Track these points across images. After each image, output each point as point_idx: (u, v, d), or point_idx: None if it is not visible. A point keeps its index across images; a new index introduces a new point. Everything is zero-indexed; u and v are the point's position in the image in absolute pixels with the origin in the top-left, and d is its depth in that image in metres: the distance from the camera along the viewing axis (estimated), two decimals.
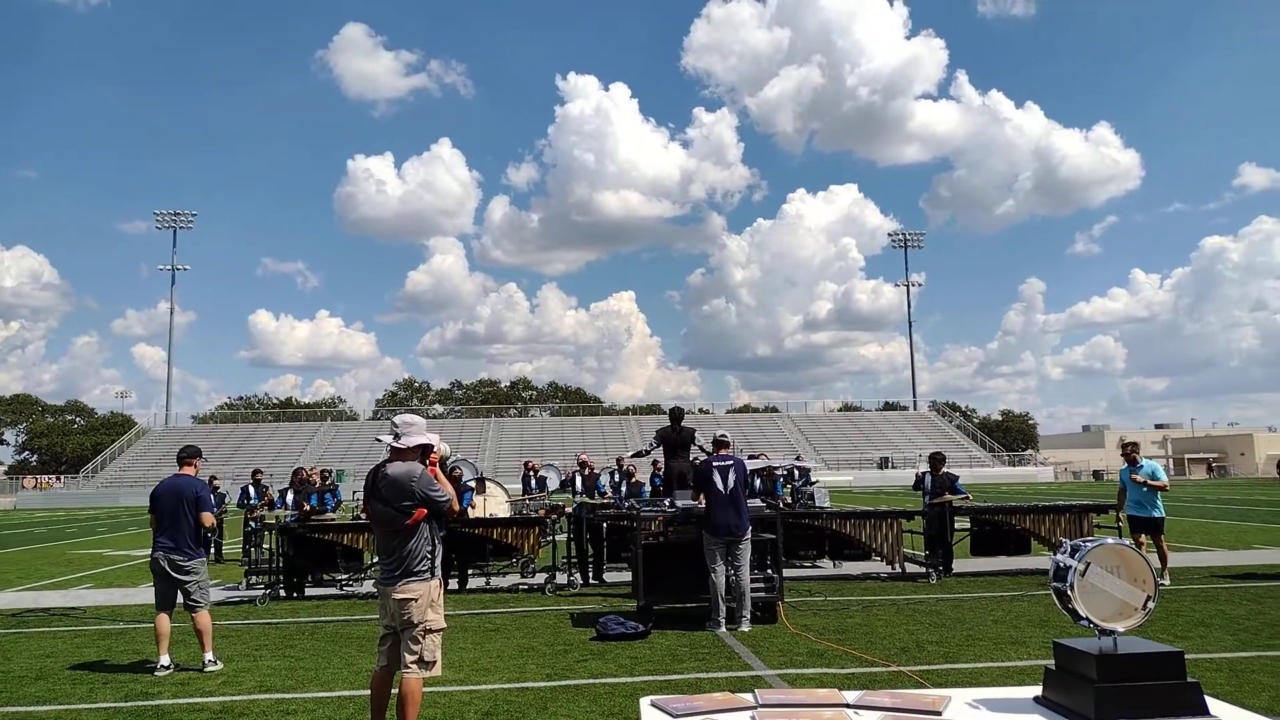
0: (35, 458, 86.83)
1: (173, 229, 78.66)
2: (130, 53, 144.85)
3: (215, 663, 7.19)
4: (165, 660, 7.12)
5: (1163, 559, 10.89)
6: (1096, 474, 75.69)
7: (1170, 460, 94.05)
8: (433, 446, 4.88)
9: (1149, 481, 11.05)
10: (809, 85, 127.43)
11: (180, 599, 7.27)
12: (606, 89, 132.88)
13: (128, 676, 7.00)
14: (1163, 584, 10.26)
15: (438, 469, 4.90)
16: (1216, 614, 8.65)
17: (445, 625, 4.85)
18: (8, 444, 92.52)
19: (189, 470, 7.57)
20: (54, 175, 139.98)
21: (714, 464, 8.55)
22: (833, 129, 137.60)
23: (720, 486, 8.39)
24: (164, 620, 7.22)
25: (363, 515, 5.96)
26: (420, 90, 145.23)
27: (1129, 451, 11.42)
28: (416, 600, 4.64)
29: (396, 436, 4.79)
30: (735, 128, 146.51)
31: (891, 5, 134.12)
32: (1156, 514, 11.09)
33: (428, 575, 4.70)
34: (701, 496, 8.55)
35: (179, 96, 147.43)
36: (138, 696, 6.34)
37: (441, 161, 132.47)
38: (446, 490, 4.77)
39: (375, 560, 5.31)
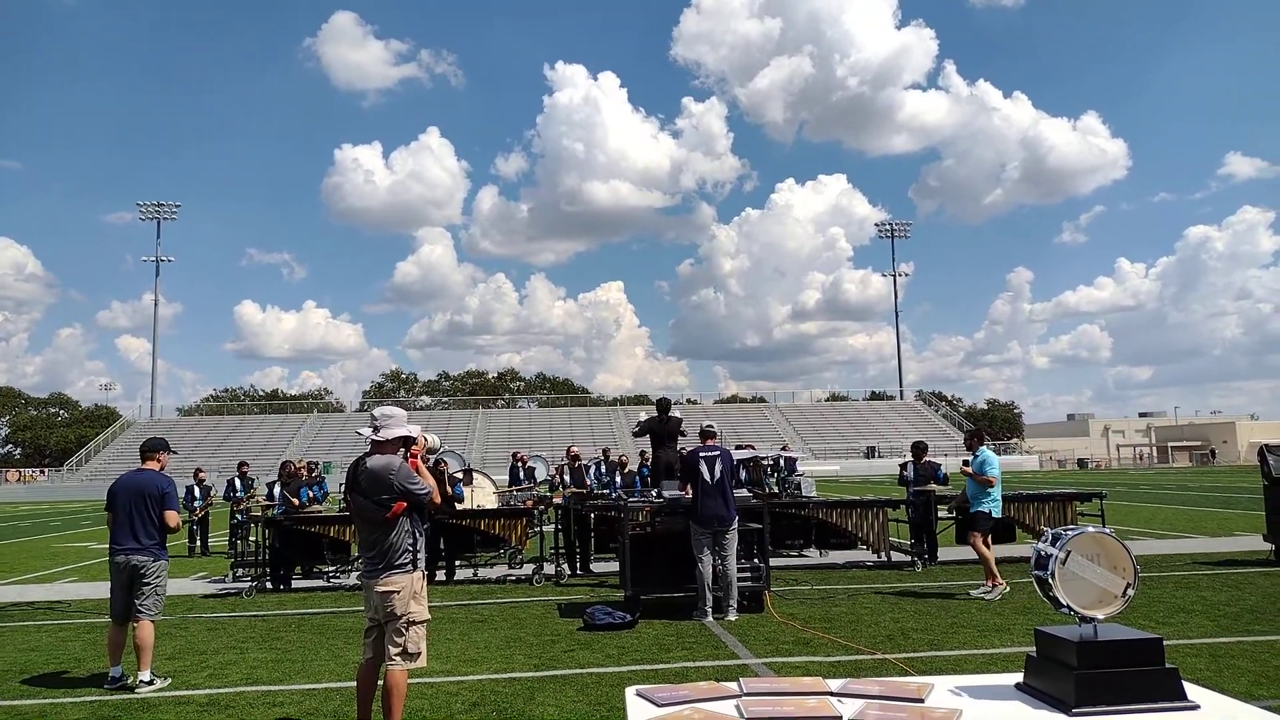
0: (19, 451, 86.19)
1: (156, 220, 78.13)
2: (115, 43, 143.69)
3: (151, 681, 6.36)
4: (117, 671, 6.49)
5: (985, 564, 9.35)
6: (1081, 462, 76.30)
7: (1154, 448, 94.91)
8: (414, 439, 4.87)
9: (973, 473, 9.72)
10: (800, 75, 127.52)
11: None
12: (595, 78, 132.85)
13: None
14: (974, 596, 9.15)
15: (419, 461, 4.89)
16: (1197, 600, 8.75)
17: (429, 617, 4.86)
18: None
19: (153, 465, 6.81)
20: (37, 167, 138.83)
21: (700, 454, 8.56)
22: (822, 119, 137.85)
23: (707, 476, 8.41)
24: (118, 631, 6.59)
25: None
26: (409, 80, 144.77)
27: (969, 440, 10.31)
28: (399, 592, 4.64)
29: (376, 429, 4.78)
30: (725, 118, 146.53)
31: None
32: (977, 508, 9.61)
33: (409, 567, 4.70)
34: (688, 487, 8.57)
35: (164, 86, 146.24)
36: (122, 690, 6.31)
37: (430, 151, 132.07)
38: (427, 482, 4.77)
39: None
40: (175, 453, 7.46)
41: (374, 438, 4.77)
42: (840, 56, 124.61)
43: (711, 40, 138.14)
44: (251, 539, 11.82)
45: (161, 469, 6.88)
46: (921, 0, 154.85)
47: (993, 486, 9.62)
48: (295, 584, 11.51)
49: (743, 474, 13.82)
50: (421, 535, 4.82)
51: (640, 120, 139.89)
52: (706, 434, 8.92)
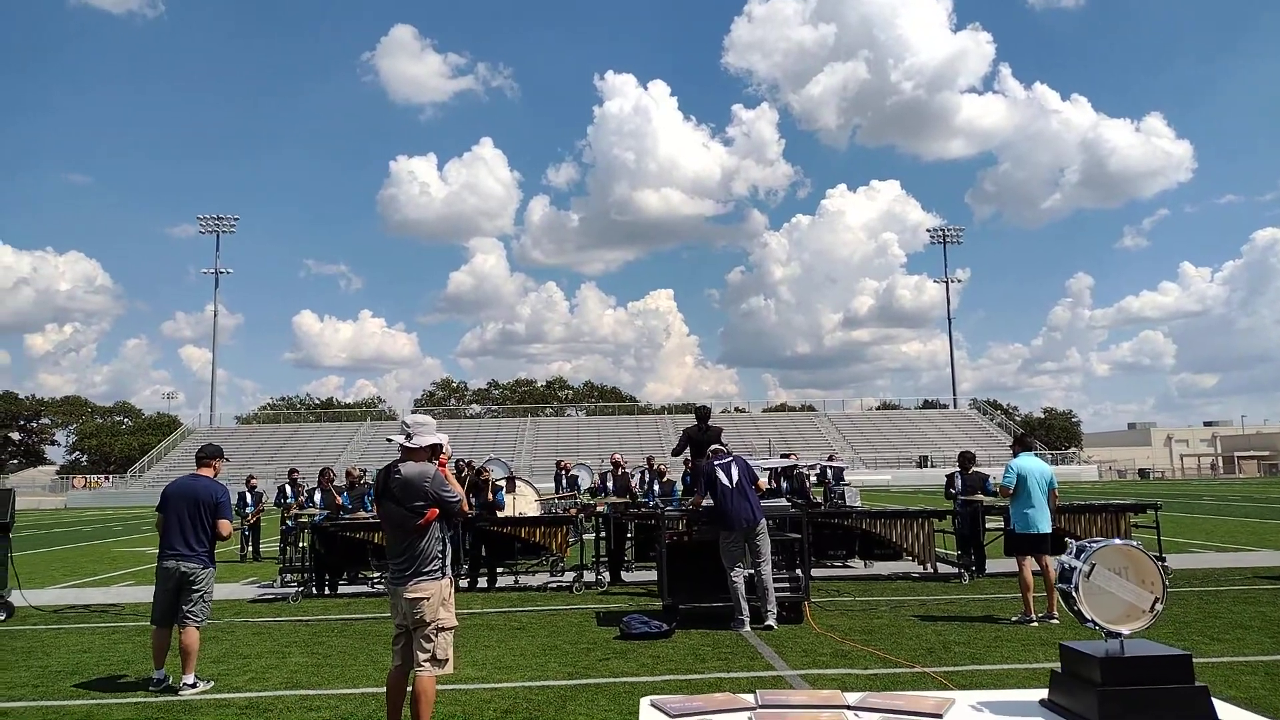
0: (85, 458, 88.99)
1: (216, 233, 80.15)
2: (177, 57, 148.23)
3: (195, 685, 6.43)
4: (160, 674, 6.53)
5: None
6: (1143, 472, 74.20)
7: (1219, 458, 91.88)
8: (442, 447, 4.92)
9: (1000, 485, 8.95)
10: (854, 80, 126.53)
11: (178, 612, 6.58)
12: (645, 87, 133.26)
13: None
14: (1040, 621, 8.32)
15: (447, 469, 4.93)
16: (1257, 616, 8.43)
17: (456, 623, 4.88)
18: (59, 445, 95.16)
19: (207, 471, 6.84)
20: (105, 180, 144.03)
21: (716, 463, 8.68)
22: (876, 124, 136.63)
23: (726, 481, 8.46)
24: (161, 633, 6.65)
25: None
26: (465, 92, 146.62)
27: (1012, 448, 9.25)
28: (428, 599, 4.67)
29: (408, 436, 4.83)
30: (776, 124, 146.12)
31: None
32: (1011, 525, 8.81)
33: (438, 574, 4.74)
34: (708, 496, 8.61)
35: (224, 99, 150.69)
36: (167, 691, 6.46)
37: (483, 162, 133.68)
38: (457, 491, 4.81)
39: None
40: (229, 460, 7.55)
41: (406, 444, 4.82)
42: (895, 61, 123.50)
43: (764, 48, 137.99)
44: (301, 545, 12.03)
45: (216, 475, 6.91)
46: (978, 3, 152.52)
47: (1008, 499, 8.69)
48: (340, 589, 11.68)
49: (784, 483, 13.70)
50: (449, 543, 4.86)
51: (691, 128, 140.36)
52: (716, 452, 9.05)
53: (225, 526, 6.70)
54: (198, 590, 6.58)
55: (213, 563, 6.75)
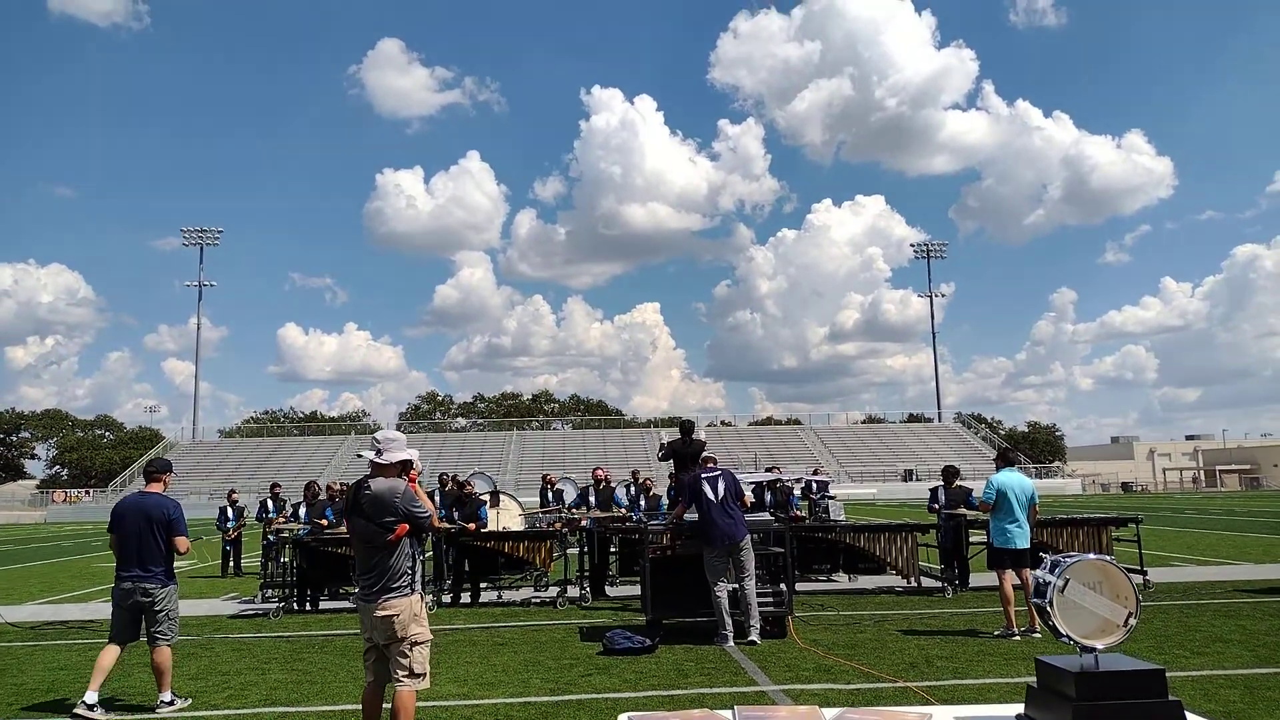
0: (65, 472, 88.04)
1: (199, 245, 79.81)
2: (162, 69, 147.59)
3: (172, 702, 6.34)
4: (93, 697, 6.17)
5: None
6: (1125, 486, 74.66)
7: (1202, 472, 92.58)
8: (412, 463, 4.91)
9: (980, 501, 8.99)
10: (839, 96, 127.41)
11: (145, 631, 6.42)
12: (632, 102, 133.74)
13: (136, 691, 7.03)
14: (1022, 634, 8.32)
15: (417, 485, 4.92)
16: (1237, 629, 8.48)
17: (431, 636, 4.86)
18: (39, 459, 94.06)
19: (156, 487, 6.62)
20: (89, 194, 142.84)
21: (703, 475, 8.63)
22: (861, 140, 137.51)
23: (711, 495, 8.44)
24: (112, 652, 6.42)
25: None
26: (451, 106, 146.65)
27: (996, 462, 9.23)
28: (398, 615, 4.65)
29: (379, 452, 4.82)
30: (762, 139, 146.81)
31: (920, 16, 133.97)
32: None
33: (408, 590, 4.72)
34: (692, 509, 8.61)
35: (210, 112, 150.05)
36: (145, 709, 6.38)
37: (470, 176, 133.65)
38: (427, 507, 4.81)
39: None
40: (175, 475, 7.31)
41: (376, 460, 4.81)
42: (879, 78, 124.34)
43: (750, 64, 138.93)
44: (282, 560, 11.93)
45: (165, 490, 6.71)
46: (961, 21, 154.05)
47: (988, 513, 8.74)
48: (322, 605, 11.59)
49: (768, 497, 13.71)
50: (420, 559, 4.85)
51: (678, 143, 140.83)
52: (705, 460, 8.99)
53: (182, 543, 6.48)
54: (159, 610, 6.39)
55: (172, 579, 6.53)
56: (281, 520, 14.57)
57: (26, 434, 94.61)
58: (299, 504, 13.76)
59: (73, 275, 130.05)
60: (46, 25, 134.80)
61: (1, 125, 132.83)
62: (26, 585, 15.42)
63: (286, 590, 11.45)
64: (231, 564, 16.64)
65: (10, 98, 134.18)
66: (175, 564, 6.67)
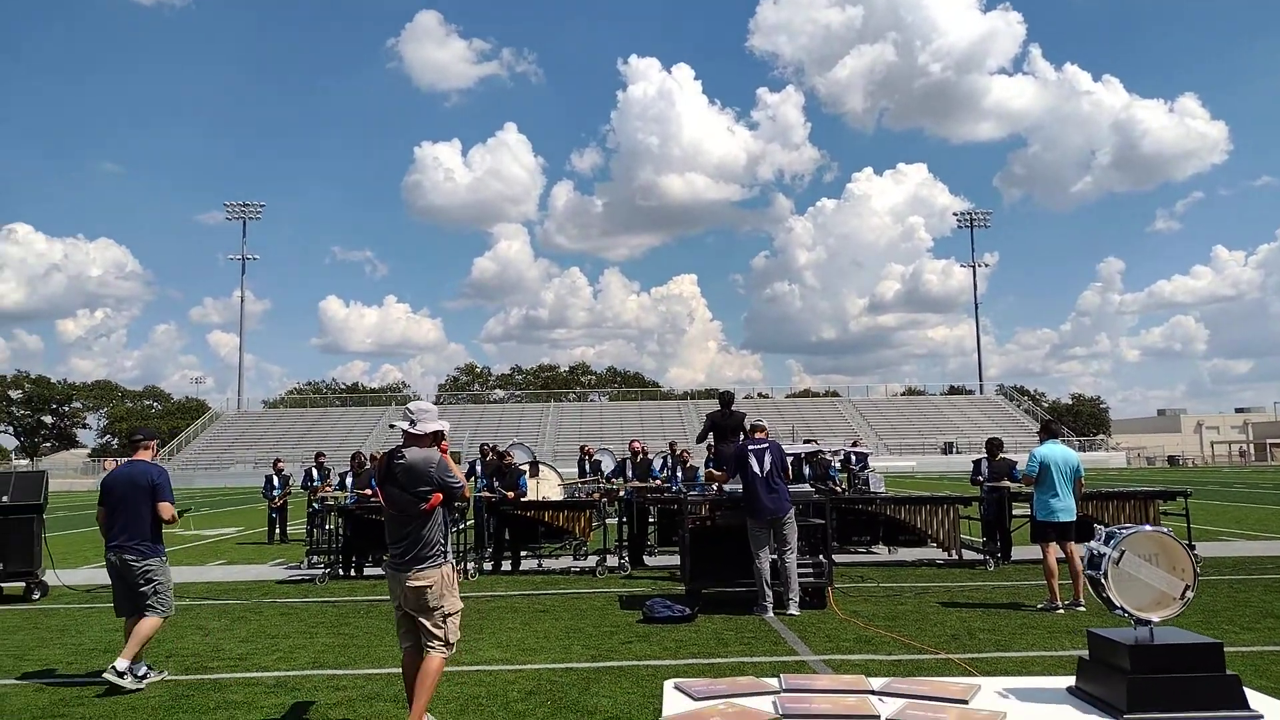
0: (115, 441, 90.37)
1: (242, 219, 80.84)
2: (204, 46, 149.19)
3: (124, 675, 5.96)
4: (123, 664, 6.02)
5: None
6: (1172, 459, 73.29)
7: (1252, 445, 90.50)
8: (444, 433, 4.94)
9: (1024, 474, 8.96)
10: (881, 63, 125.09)
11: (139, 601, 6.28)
12: (669, 71, 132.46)
13: (189, 651, 7.24)
14: (1066, 608, 8.26)
15: (448, 455, 4.95)
16: None
17: (461, 605, 4.92)
18: (90, 428, 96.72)
19: (144, 455, 6.55)
20: (137, 169, 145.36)
21: (749, 447, 8.55)
22: (904, 107, 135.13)
23: (757, 469, 8.38)
24: (131, 624, 6.30)
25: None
26: (490, 78, 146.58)
27: (1039, 435, 9.16)
28: (431, 587, 4.70)
29: (412, 423, 4.84)
30: (802, 107, 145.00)
31: None
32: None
33: (440, 560, 4.76)
34: (736, 480, 8.57)
35: (251, 87, 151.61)
36: (197, 670, 6.56)
37: (508, 148, 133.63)
38: (459, 477, 4.85)
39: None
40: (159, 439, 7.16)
41: (410, 430, 4.84)
42: (923, 42, 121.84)
43: (790, 30, 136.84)
44: (327, 527, 12.16)
45: (153, 458, 6.65)
46: None
47: (1031, 486, 8.68)
48: (367, 571, 11.80)
49: (806, 469, 13.65)
50: (451, 528, 4.89)
51: (716, 112, 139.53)
52: (755, 428, 8.88)
53: (166, 509, 6.36)
54: (146, 582, 6.26)
55: (156, 551, 6.36)
56: (326, 489, 14.84)
57: (78, 404, 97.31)
58: (345, 473, 13.97)
59: (120, 250, 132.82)
60: (92, 5, 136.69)
61: (50, 105, 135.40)
62: (82, 550, 15.89)
63: (332, 557, 11.67)
64: (277, 531, 17.00)
65: (58, 77, 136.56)
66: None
